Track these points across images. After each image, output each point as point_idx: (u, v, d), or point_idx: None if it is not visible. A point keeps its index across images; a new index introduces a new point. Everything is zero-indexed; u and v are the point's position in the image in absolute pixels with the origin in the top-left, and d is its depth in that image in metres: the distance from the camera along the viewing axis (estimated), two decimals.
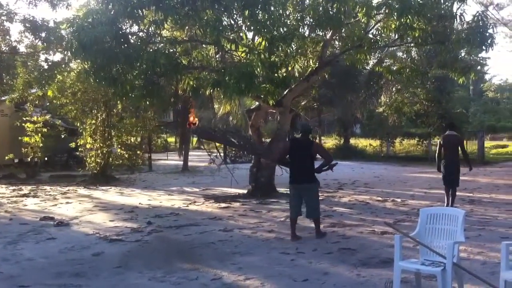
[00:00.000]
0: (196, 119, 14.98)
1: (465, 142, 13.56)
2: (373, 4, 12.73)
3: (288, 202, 12.71)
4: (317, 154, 9.40)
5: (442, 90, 30.81)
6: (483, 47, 13.46)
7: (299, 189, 8.95)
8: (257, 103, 15.76)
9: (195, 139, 32.65)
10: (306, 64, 15.12)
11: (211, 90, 13.49)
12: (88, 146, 19.06)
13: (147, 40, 13.18)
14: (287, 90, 14.29)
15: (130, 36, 12.73)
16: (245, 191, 14.53)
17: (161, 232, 9.60)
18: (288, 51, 13.33)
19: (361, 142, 34.54)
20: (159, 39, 13.39)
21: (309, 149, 9.01)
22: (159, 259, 7.54)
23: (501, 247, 5.13)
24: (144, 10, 11.74)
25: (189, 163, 24.08)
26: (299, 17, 13.26)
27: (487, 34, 12.84)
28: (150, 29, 12.76)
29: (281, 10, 12.75)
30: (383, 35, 14.01)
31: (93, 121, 18.99)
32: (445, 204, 11.69)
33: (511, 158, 27.66)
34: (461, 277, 5.44)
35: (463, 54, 21.82)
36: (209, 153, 18.97)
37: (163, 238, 9.13)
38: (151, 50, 12.66)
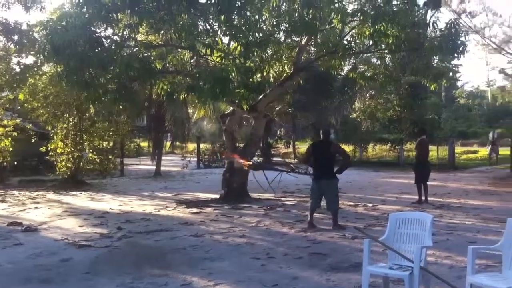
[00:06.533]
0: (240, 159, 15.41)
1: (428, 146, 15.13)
2: (348, 11, 12.86)
3: (260, 207, 12.95)
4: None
5: (415, 96, 31.24)
6: (455, 55, 13.73)
7: (321, 184, 10.16)
8: (231, 108, 15.75)
9: (168, 143, 32.47)
10: (281, 69, 15.20)
11: (185, 95, 13.45)
12: (59, 150, 18.80)
13: (121, 44, 13.08)
14: (261, 95, 14.33)
15: (104, 40, 12.61)
16: (217, 196, 14.48)
17: (131, 237, 9.50)
18: (264, 56, 13.38)
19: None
20: (133, 43, 13.30)
21: (329, 149, 10.32)
22: (129, 265, 7.48)
23: (467, 252, 5.22)
24: (119, 13, 11.66)
25: (162, 168, 23.92)
26: (274, 23, 13.31)
27: (459, 41, 13.07)
28: (124, 32, 12.67)
29: (257, 16, 12.77)
30: (357, 41, 14.17)
31: (65, 125, 18.82)
32: (418, 199, 13.37)
33: (481, 163, 28.05)
34: (428, 281, 5.51)
35: (435, 61, 22.13)
36: (183, 158, 18.91)
37: (133, 243, 9.05)
38: (125, 54, 12.56)
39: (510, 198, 14.47)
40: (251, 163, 14.20)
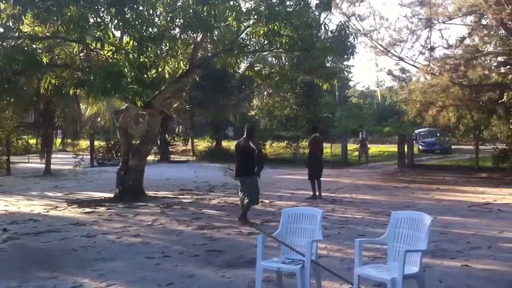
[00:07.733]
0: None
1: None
2: (243, 9, 12.94)
3: (156, 205, 12.73)
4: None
5: (310, 96, 32.31)
6: (345, 56, 14.28)
7: (240, 180, 10.48)
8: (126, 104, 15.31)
9: (59, 140, 31.10)
10: (176, 65, 14.97)
11: (75, 90, 12.89)
12: None
13: (4, 35, 12.29)
14: (156, 92, 14.06)
15: None
16: (111, 195, 14.04)
17: (17, 239, 9.03)
18: (158, 52, 13.14)
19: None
20: (17, 34, 12.52)
21: (246, 147, 10.35)
22: (15, 268, 7.12)
23: (355, 244, 5.41)
24: (1, 3, 10.94)
25: (52, 166, 22.85)
26: (169, 18, 13.09)
27: (349, 43, 13.63)
28: (8, 23, 11.90)
29: (151, 10, 12.51)
30: (253, 40, 14.31)
31: None
32: (313, 195, 13.74)
33: (372, 160, 29.41)
34: (319, 273, 5.65)
35: (329, 62, 22.83)
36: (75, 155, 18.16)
37: (20, 245, 8.62)
38: (8, 45, 11.85)
39: (397, 192, 15.32)
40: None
